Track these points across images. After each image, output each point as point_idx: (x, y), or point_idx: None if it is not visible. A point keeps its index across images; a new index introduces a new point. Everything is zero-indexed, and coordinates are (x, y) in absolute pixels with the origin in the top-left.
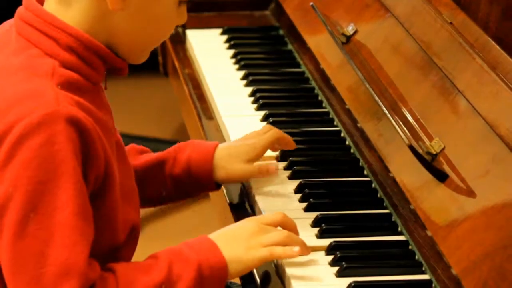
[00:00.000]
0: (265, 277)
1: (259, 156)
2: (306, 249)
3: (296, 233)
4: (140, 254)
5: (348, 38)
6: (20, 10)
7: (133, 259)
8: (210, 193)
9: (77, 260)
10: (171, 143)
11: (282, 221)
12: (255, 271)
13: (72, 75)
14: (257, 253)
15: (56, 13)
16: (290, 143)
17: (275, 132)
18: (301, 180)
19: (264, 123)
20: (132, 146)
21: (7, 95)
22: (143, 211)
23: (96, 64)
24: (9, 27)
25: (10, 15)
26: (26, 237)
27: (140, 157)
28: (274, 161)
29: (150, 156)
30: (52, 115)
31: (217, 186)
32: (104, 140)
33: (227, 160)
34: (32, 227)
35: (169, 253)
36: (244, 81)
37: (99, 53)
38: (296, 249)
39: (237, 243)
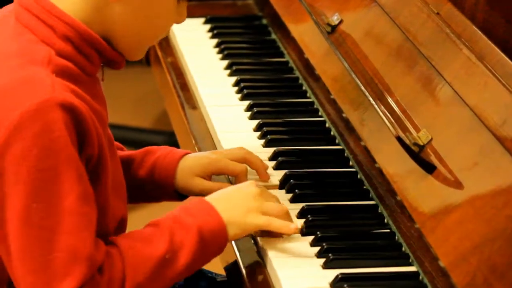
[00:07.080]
0: (251, 269)
1: (219, 171)
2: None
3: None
4: None
5: (333, 27)
6: None
7: None
8: None
9: (84, 245)
10: (152, 132)
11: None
12: (241, 262)
13: (67, 65)
14: (255, 219)
15: (55, 0)
16: (261, 170)
17: (243, 151)
18: (286, 171)
19: (248, 113)
20: None
21: (2, 81)
22: None
23: (92, 56)
24: (8, 12)
25: None
26: (32, 226)
27: None
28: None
29: (120, 154)
30: (47, 102)
31: (180, 196)
32: (99, 128)
33: (187, 172)
34: (36, 217)
35: (169, 220)
36: (228, 71)
37: (95, 45)
38: (293, 226)
39: (236, 206)
